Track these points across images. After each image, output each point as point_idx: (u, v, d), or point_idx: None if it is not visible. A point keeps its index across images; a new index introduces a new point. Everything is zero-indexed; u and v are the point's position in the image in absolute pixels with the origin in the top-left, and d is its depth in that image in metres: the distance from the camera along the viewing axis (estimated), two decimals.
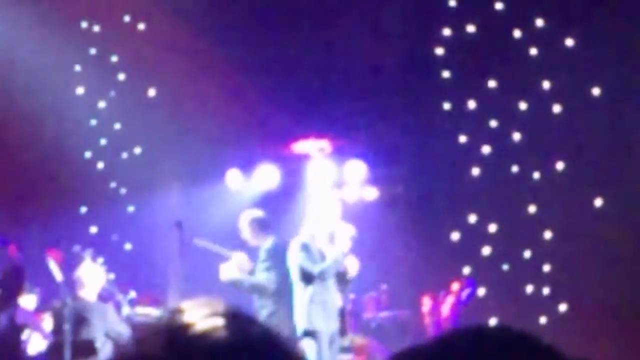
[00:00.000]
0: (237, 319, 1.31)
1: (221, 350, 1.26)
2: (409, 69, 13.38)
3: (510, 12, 13.20)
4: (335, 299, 9.08)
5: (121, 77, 13.96)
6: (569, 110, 13.00)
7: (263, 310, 9.42)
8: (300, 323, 8.90)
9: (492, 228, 13.20)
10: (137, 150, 14.04)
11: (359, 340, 11.30)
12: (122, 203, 13.94)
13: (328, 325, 8.91)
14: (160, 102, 13.79)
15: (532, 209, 13.12)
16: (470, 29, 13.32)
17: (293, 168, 13.45)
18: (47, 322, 9.95)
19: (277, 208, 11.87)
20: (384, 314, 12.52)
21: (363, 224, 9.68)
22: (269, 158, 13.37)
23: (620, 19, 12.34)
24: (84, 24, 13.82)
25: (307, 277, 8.94)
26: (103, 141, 13.99)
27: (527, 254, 13.07)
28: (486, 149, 13.32)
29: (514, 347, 1.40)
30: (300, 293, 8.97)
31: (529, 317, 12.13)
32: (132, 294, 10.81)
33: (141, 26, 13.90)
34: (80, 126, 13.64)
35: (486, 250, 13.16)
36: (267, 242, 9.67)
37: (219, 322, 1.29)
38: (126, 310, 9.96)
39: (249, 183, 13.29)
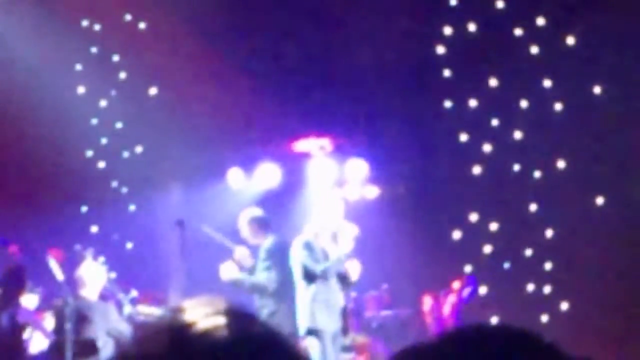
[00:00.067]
0: (239, 318, 1.31)
1: (223, 349, 1.26)
2: (410, 67, 13.37)
3: (511, 11, 13.19)
4: (338, 297, 9.08)
5: (122, 76, 13.96)
6: (570, 109, 12.99)
7: (264, 310, 9.42)
8: (303, 322, 8.89)
9: (494, 226, 13.20)
10: (138, 149, 14.04)
11: (360, 339, 11.31)
12: (124, 202, 13.94)
13: (331, 324, 8.91)
14: (161, 101, 13.79)
15: (533, 207, 13.11)
16: (472, 27, 13.31)
17: (294, 167, 13.45)
18: (49, 321, 9.95)
19: (278, 207, 11.88)
20: (385, 312, 12.52)
21: (364, 222, 9.67)
22: (270, 157, 13.37)
23: (622, 18, 12.33)
24: (85, 23, 13.81)
25: (310, 276, 8.94)
26: (104, 140, 13.99)
27: (529, 252, 13.07)
28: (487, 148, 13.32)
29: (515, 346, 1.40)
30: (303, 292, 8.97)
31: (530, 316, 12.14)
32: (134, 293, 10.80)
33: (142, 25, 13.90)
34: (81, 125, 13.63)
35: (487, 249, 13.16)
36: (267, 242, 9.67)
37: (221, 320, 1.29)
38: (127, 309, 9.96)
39: (250, 182, 13.29)
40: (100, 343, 9.20)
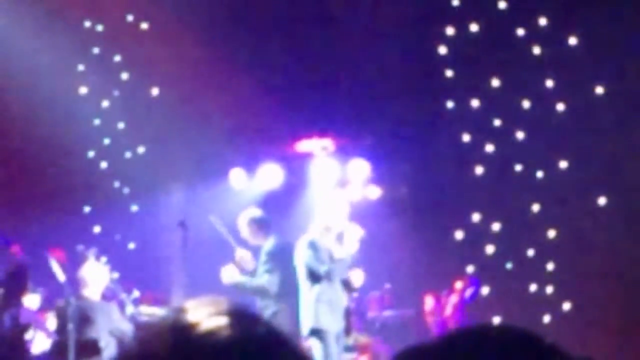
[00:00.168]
0: (242, 318, 1.31)
1: (226, 349, 1.27)
2: (412, 67, 13.37)
3: (513, 11, 13.19)
4: (342, 298, 9.07)
5: (124, 76, 13.97)
6: (572, 109, 12.99)
7: (266, 310, 9.41)
8: (307, 322, 8.88)
9: (496, 227, 13.19)
10: (141, 149, 14.04)
11: (362, 339, 11.31)
12: (126, 202, 13.94)
13: (334, 324, 8.90)
14: (164, 102, 13.79)
15: (535, 207, 13.11)
16: (474, 27, 13.31)
17: (296, 167, 13.45)
18: (51, 321, 9.95)
19: (281, 207, 11.89)
20: (387, 313, 12.52)
21: (366, 222, 9.67)
22: (273, 157, 13.37)
23: (623, 18, 12.33)
24: (87, 24, 13.82)
25: (314, 276, 8.93)
26: (106, 140, 14.00)
27: (531, 252, 13.07)
28: (489, 148, 13.32)
29: (517, 346, 1.40)
30: (307, 292, 8.95)
31: (532, 316, 12.14)
32: (136, 293, 10.80)
33: (144, 26, 13.91)
34: (83, 126, 13.63)
35: (490, 249, 13.16)
36: (268, 244, 9.65)
37: (224, 321, 1.29)
38: (130, 309, 9.96)
39: (252, 182, 13.29)
40: (102, 343, 9.20)
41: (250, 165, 13.35)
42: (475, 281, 12.36)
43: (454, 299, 12.11)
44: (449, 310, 12.01)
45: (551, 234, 13.03)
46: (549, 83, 13.12)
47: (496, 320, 12.12)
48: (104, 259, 11.09)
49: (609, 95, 12.84)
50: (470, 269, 12.94)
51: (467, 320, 11.72)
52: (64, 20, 13.20)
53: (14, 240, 10.02)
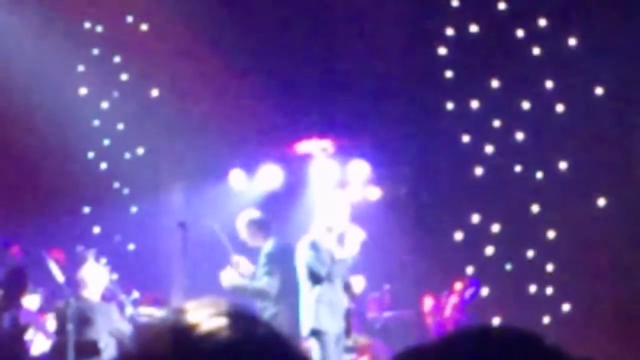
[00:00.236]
0: (242, 319, 1.31)
1: (226, 350, 1.27)
2: (412, 68, 13.37)
3: (513, 12, 13.19)
4: (342, 299, 9.06)
5: (124, 77, 13.97)
6: (572, 110, 12.99)
7: (265, 311, 9.41)
8: (307, 322, 8.87)
9: (496, 228, 13.19)
10: (140, 150, 14.04)
11: (362, 340, 11.31)
12: (125, 203, 13.94)
13: (334, 325, 8.89)
14: (163, 103, 13.79)
15: (535, 208, 13.11)
16: (473, 28, 13.31)
17: (296, 168, 13.44)
18: (51, 322, 9.95)
19: (280, 208, 11.89)
20: (387, 314, 12.52)
21: (366, 224, 9.67)
22: (272, 158, 13.37)
23: (624, 19, 12.33)
24: (87, 25, 13.82)
25: (315, 277, 8.92)
26: (106, 141, 14.00)
27: (531, 253, 13.07)
28: (489, 149, 13.32)
29: (517, 347, 1.40)
30: (308, 292, 8.94)
31: (532, 317, 12.13)
32: (135, 294, 10.80)
33: (144, 27, 13.91)
34: (83, 126, 13.63)
35: (489, 250, 13.16)
36: (267, 245, 9.64)
37: (224, 322, 1.29)
38: (129, 310, 9.97)
39: (252, 183, 13.29)
40: (102, 344, 9.21)
41: (250, 166, 13.35)
42: (475, 282, 12.36)
43: (453, 299, 12.10)
44: (448, 311, 12.01)
45: (551, 234, 13.03)
46: (549, 84, 13.12)
47: (496, 321, 12.13)
48: (103, 259, 11.09)
49: (608, 96, 12.84)
50: (469, 269, 12.94)
51: (467, 321, 11.71)
52: (64, 21, 13.21)
53: (13, 241, 10.03)
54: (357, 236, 9.11)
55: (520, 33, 13.20)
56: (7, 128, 12.96)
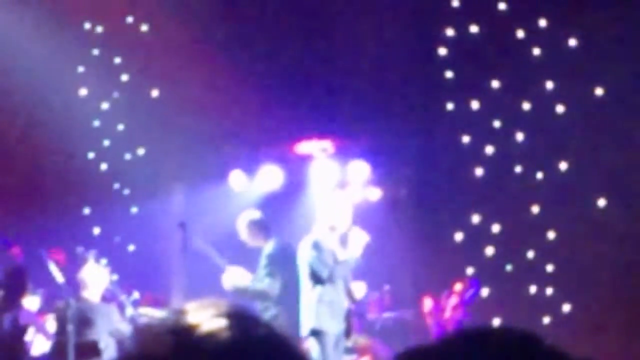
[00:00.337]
0: (242, 320, 1.31)
1: (227, 350, 1.27)
2: (412, 69, 13.37)
3: (513, 12, 13.19)
4: (343, 299, 9.06)
5: (124, 78, 13.97)
6: (573, 111, 12.98)
7: (266, 312, 9.41)
8: (307, 322, 8.86)
9: (496, 228, 13.19)
10: (141, 151, 14.04)
11: (362, 340, 11.30)
12: (126, 204, 13.94)
13: (335, 325, 8.89)
14: (164, 103, 13.79)
15: (535, 209, 13.11)
16: (473, 29, 13.31)
17: (296, 169, 13.44)
18: (51, 323, 9.96)
19: (280, 209, 11.89)
20: (387, 314, 12.51)
21: (366, 224, 9.67)
22: (272, 159, 13.37)
23: (623, 19, 12.33)
24: (87, 25, 13.82)
25: (316, 277, 8.91)
26: (106, 142, 13.99)
27: (531, 254, 13.07)
28: (489, 149, 13.32)
29: (517, 348, 1.40)
30: (309, 292, 8.93)
31: (532, 318, 12.13)
32: (136, 295, 10.81)
33: (144, 27, 13.91)
34: (83, 127, 13.63)
35: (489, 251, 13.15)
36: (268, 247, 9.64)
37: (224, 322, 1.29)
38: (129, 311, 9.97)
39: (252, 184, 13.29)
40: (102, 345, 9.21)
41: (250, 167, 13.35)
42: (475, 283, 12.33)
43: (453, 300, 12.08)
44: (448, 312, 11.99)
45: (551, 235, 13.02)
46: (549, 84, 13.12)
47: (496, 321, 12.12)
48: (103, 260, 11.10)
49: (609, 96, 12.84)
50: (470, 270, 12.93)
51: (466, 321, 11.70)
52: (64, 22, 13.20)
53: (13, 241, 10.03)
54: (360, 238, 9.10)
55: (520, 33, 13.20)
56: (7, 128, 12.96)
